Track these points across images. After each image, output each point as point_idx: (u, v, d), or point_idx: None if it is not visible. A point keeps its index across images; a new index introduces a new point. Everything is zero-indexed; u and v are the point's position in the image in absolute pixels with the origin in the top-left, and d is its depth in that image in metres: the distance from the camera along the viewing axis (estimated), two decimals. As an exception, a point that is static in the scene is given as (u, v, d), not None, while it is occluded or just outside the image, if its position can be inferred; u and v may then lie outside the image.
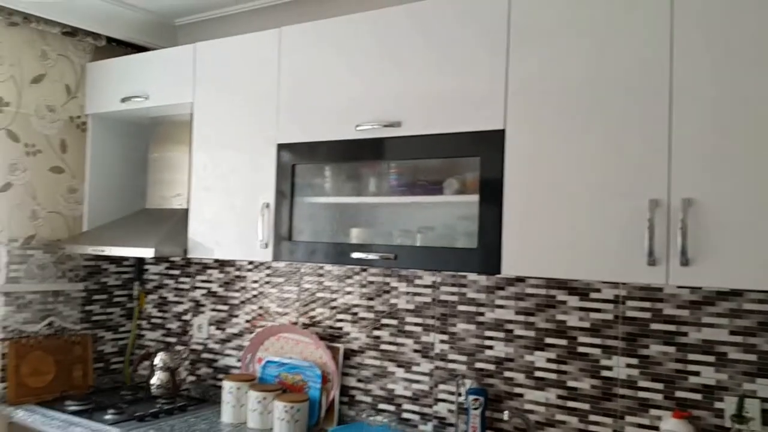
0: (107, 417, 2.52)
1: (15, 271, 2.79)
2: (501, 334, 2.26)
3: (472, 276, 2.33)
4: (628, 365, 2.01)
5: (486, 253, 1.92)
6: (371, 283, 2.56)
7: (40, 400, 2.75)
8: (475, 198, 1.97)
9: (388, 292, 2.52)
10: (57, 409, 2.63)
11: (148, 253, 2.59)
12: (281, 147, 2.37)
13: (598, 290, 2.08)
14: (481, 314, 2.30)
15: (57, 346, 2.92)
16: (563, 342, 2.14)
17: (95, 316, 3.12)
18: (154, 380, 2.87)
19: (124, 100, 2.85)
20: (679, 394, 1.94)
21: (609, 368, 2.05)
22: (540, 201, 1.84)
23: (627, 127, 1.72)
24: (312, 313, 2.71)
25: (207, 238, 2.58)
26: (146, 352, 3.14)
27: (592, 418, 2.07)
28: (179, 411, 2.69)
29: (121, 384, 3.15)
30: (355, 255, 2.18)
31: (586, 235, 1.76)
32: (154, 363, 2.89)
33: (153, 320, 3.22)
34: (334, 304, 2.65)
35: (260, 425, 2.48)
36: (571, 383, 2.11)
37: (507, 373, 2.23)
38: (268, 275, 2.85)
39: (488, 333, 2.28)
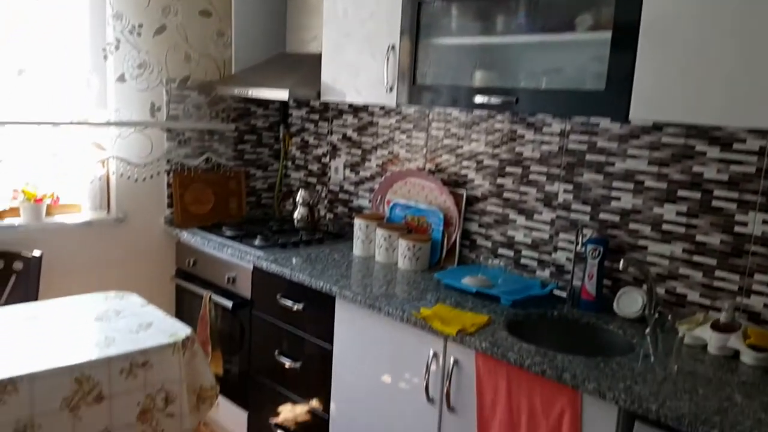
0: (255, 242, 2.82)
1: (174, 110, 3.08)
2: (629, 185, 2.14)
3: (604, 124, 2.19)
4: (765, 221, 1.84)
5: (614, 95, 1.78)
6: (497, 130, 2.51)
7: (200, 225, 3.13)
8: (607, 35, 1.80)
9: (514, 140, 2.46)
10: (214, 233, 2.98)
11: (283, 95, 2.72)
12: (408, -16, 2.30)
13: (742, 140, 1.87)
14: (611, 164, 2.18)
15: (214, 179, 3.25)
16: (696, 195, 1.98)
17: (247, 154, 3.40)
18: (297, 214, 3.14)
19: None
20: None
21: (744, 224, 1.89)
22: (683, 36, 1.64)
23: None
24: (438, 160, 2.73)
25: (339, 82, 2.64)
26: (289, 189, 3.40)
27: (718, 273, 1.95)
28: (317, 242, 2.94)
29: (270, 217, 3.47)
30: (478, 99, 2.13)
31: (737, 76, 1.57)
32: (296, 199, 3.14)
33: (296, 161, 3.45)
34: (459, 151, 2.65)
35: (386, 260, 2.64)
36: (699, 238, 1.98)
37: (632, 225, 2.14)
38: (398, 121, 2.89)
39: (616, 184, 2.18)
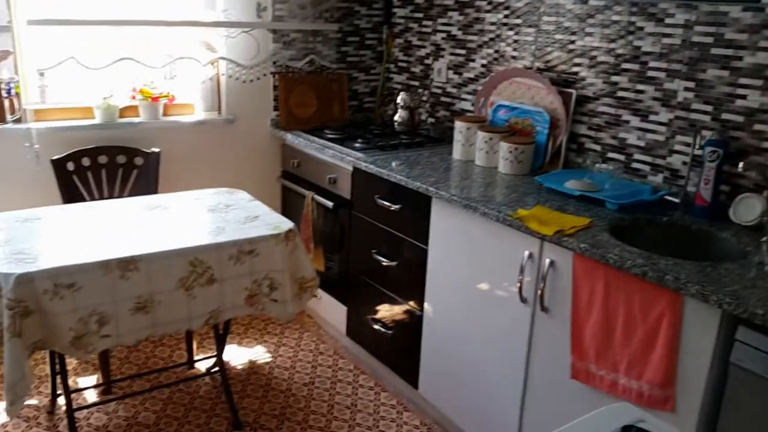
0: (356, 145, 2.85)
1: (279, 10, 3.09)
2: (758, 82, 1.93)
3: (734, 13, 1.96)
4: None
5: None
6: (614, 23, 2.31)
7: (304, 127, 3.19)
8: None
9: (632, 33, 2.26)
10: (317, 136, 3.04)
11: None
12: None
13: None
14: (739, 58, 1.97)
15: (318, 82, 3.28)
16: (841, 92, 1.76)
17: (349, 57, 3.39)
18: (397, 118, 3.11)
19: None
20: None
21: None
22: None
23: None
24: (547, 57, 2.58)
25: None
26: (390, 92, 3.37)
27: None
28: (416, 146, 2.92)
29: (371, 120, 3.47)
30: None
31: None
32: (397, 102, 3.11)
33: (399, 63, 3.39)
34: (571, 47, 2.48)
35: (486, 163, 2.59)
36: (840, 141, 1.77)
37: (757, 126, 1.94)
38: (506, 16, 2.74)
39: (743, 80, 1.96)
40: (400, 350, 2.60)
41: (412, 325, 2.50)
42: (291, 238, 2.20)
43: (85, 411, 2.46)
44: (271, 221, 2.27)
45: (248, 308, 2.18)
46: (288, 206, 3.25)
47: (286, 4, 3.09)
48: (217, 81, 3.09)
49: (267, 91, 3.18)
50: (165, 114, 2.97)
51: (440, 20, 3.08)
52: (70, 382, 2.58)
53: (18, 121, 2.65)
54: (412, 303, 2.50)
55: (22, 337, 1.79)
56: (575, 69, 2.48)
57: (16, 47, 2.53)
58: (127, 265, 1.92)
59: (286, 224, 2.24)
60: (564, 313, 1.87)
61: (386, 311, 2.65)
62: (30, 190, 2.70)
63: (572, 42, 2.47)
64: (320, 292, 3.06)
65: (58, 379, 2.26)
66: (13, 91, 2.61)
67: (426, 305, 2.42)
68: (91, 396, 2.57)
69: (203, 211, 2.36)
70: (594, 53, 2.40)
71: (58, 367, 2.17)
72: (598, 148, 2.44)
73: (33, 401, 2.50)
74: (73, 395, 2.38)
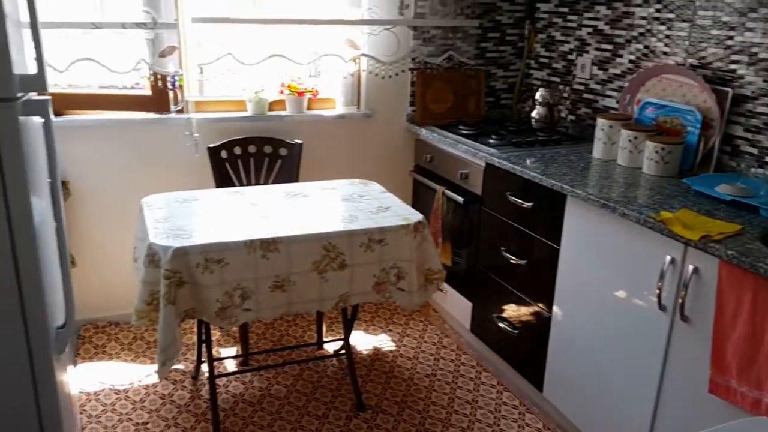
0: (490, 141, 2.83)
1: (421, 7, 3.14)
2: None
3: None
4: None
5: None
6: (782, 15, 2.12)
7: (438, 123, 3.22)
8: None
9: (803, 25, 2.06)
10: (451, 131, 3.05)
11: (530, -16, 2.60)
12: None
13: None
14: None
15: (455, 78, 3.29)
16: None
17: (488, 53, 3.37)
18: (535, 114, 3.05)
19: None
20: None
21: None
22: None
23: None
24: (702, 54, 2.41)
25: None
26: (529, 89, 3.31)
27: None
28: (553, 143, 2.84)
29: (508, 117, 3.43)
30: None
31: None
32: (535, 98, 3.05)
33: (540, 59, 3.32)
34: (729, 43, 2.30)
35: (629, 163, 2.47)
36: None
37: None
38: (657, 11, 2.59)
39: None
40: (526, 351, 2.56)
41: (539, 326, 2.45)
42: (420, 230, 2.24)
43: (224, 379, 2.66)
44: (402, 213, 2.32)
45: (375, 295, 2.24)
46: (419, 200, 3.30)
47: (427, 2, 3.14)
48: (357, 77, 3.21)
49: (404, 87, 3.25)
50: (309, 108, 3.13)
51: (586, 14, 2.98)
52: (213, 351, 2.80)
53: (180, 111, 2.92)
54: (540, 303, 2.44)
55: (175, 304, 1.98)
56: (733, 66, 2.30)
57: (181, 43, 2.79)
58: (268, 245, 2.05)
59: (416, 216, 2.28)
60: (706, 323, 1.74)
61: (512, 310, 2.62)
62: (188, 174, 2.96)
63: (730, 38, 2.29)
64: (446, 286, 3.08)
65: (203, 348, 2.46)
66: (177, 84, 2.87)
67: (555, 307, 2.36)
68: (231, 366, 2.78)
69: (338, 200, 2.47)
70: (755, 50, 2.21)
71: (204, 336, 2.37)
72: (755, 151, 2.25)
73: (180, 366, 2.75)
74: (215, 363, 2.59)
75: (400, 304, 2.29)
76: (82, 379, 2.64)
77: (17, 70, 1.51)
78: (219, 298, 2.03)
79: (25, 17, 1.62)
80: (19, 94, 1.52)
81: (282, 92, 3.08)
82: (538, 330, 2.45)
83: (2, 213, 1.54)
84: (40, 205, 1.69)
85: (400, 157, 3.33)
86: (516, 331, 2.59)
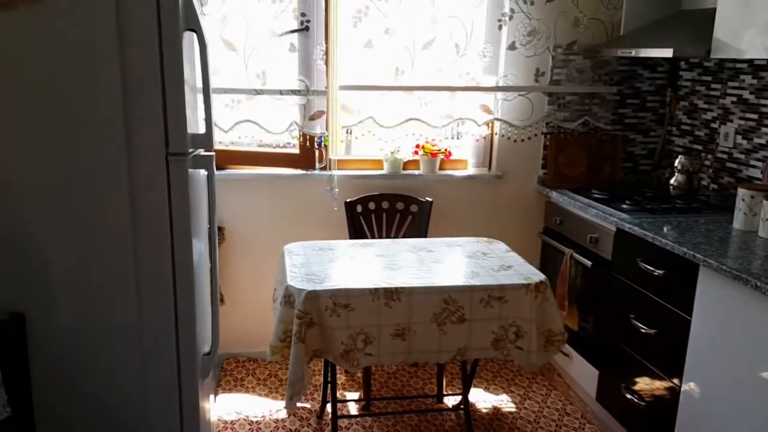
0: (623, 206, 2.79)
1: (557, 74, 3.22)
2: None
3: None
4: None
5: None
6: None
7: (570, 186, 3.23)
8: None
9: None
10: (582, 194, 3.05)
11: (666, 53, 2.59)
12: None
13: None
14: None
15: (590, 142, 3.30)
16: None
17: (627, 119, 3.35)
18: (673, 181, 2.97)
19: None
20: None
21: None
22: None
23: None
24: None
25: (738, 37, 2.39)
26: (668, 155, 3.23)
27: None
28: (692, 212, 2.75)
29: (645, 183, 3.35)
30: None
31: None
32: (675, 165, 2.97)
33: (682, 126, 3.24)
34: None
35: (772, 236, 2.34)
36: None
37: None
38: (809, 77, 2.47)
39: None
40: (653, 426, 2.43)
41: (669, 400, 2.33)
42: (541, 290, 2.27)
43: (346, 420, 2.79)
44: (524, 272, 2.36)
45: (493, 351, 2.28)
46: (546, 262, 3.29)
47: (564, 69, 3.21)
48: (489, 139, 3.32)
49: (537, 150, 3.31)
50: (441, 168, 3.29)
51: (731, 84, 2.89)
52: (338, 393, 2.95)
53: (324, 168, 3.19)
54: (669, 377, 2.34)
55: (305, 343, 2.15)
56: None
57: (328, 108, 3.08)
58: (391, 294, 2.19)
59: (538, 276, 2.31)
60: None
61: (640, 381, 2.51)
62: (326, 225, 3.21)
63: None
64: (572, 351, 3.02)
65: (329, 389, 2.62)
66: (323, 144, 3.16)
67: (685, 381, 2.24)
68: (353, 409, 2.91)
69: (462, 256, 2.56)
70: None
71: (329, 377, 2.53)
72: None
73: (307, 405, 2.92)
74: (338, 405, 2.73)
75: (518, 363, 2.31)
76: (221, 408, 2.89)
77: (190, 129, 1.79)
78: (344, 341, 2.18)
79: (199, 83, 1.92)
80: (190, 150, 1.81)
81: (416, 153, 3.27)
82: (667, 405, 2.33)
83: (167, 251, 1.81)
84: (199, 247, 1.96)
85: (529, 218, 3.36)
86: (643, 404, 2.48)
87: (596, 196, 3.00)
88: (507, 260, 2.50)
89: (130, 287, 1.81)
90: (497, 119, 3.23)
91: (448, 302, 2.21)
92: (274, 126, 3.07)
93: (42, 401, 1.84)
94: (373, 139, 3.24)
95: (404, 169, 3.27)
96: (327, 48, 3.00)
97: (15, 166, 1.71)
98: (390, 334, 2.21)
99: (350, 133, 3.27)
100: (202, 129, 1.93)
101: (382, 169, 3.27)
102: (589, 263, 2.83)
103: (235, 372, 3.22)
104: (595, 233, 2.84)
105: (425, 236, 3.12)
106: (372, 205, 3.18)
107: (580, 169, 3.30)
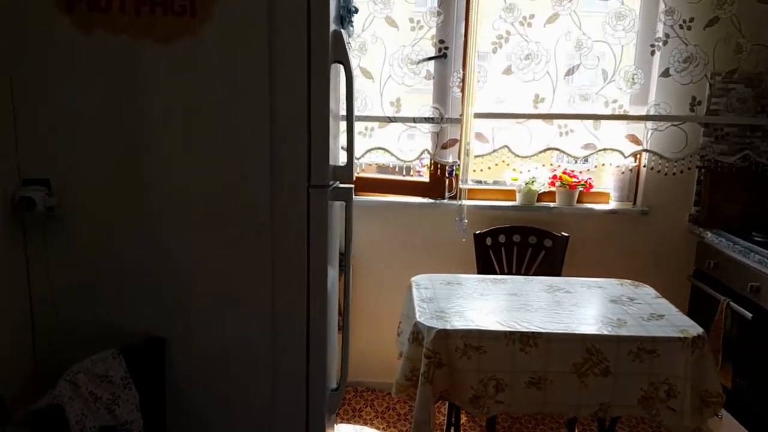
0: (792, 253, 2.48)
1: (715, 104, 2.93)
2: None
3: None
4: None
5: None
6: None
7: (727, 226, 2.91)
8: None
9: None
10: (742, 237, 2.74)
11: None
12: None
13: None
14: None
15: (751, 179, 2.97)
16: None
17: (796, 154, 2.99)
18: None
19: None
20: None
21: None
22: None
23: None
24: None
25: None
26: None
27: None
28: None
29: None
30: None
31: None
32: None
33: None
34: None
35: None
36: None
37: None
38: None
39: None
40: None
41: None
42: (699, 346, 2.02)
43: (468, 466, 2.65)
44: (679, 323, 2.13)
45: (640, 410, 2.06)
46: (695, 309, 2.98)
47: (723, 98, 2.92)
48: (636, 172, 3.08)
49: (689, 185, 3.03)
50: (579, 201, 3.09)
51: None
52: (460, 435, 2.82)
53: (453, 198, 3.10)
54: None
55: (432, 384, 2.05)
56: None
57: (462, 136, 2.99)
58: (528, 339, 2.03)
59: (695, 329, 2.07)
60: None
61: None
62: (453, 256, 3.11)
63: None
64: (723, 412, 2.70)
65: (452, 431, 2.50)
66: (453, 173, 3.07)
67: None
68: (475, 454, 2.76)
69: (605, 301, 2.36)
70: None
71: (453, 419, 2.40)
72: None
73: (428, 443, 2.81)
74: (460, 448, 2.60)
75: (667, 424, 2.07)
76: (339, 438, 2.85)
77: (332, 161, 1.77)
78: (473, 385, 2.05)
79: (342, 114, 1.90)
80: (330, 183, 1.78)
81: (553, 184, 3.10)
82: None
83: (303, 281, 1.78)
84: (332, 275, 1.93)
85: (677, 259, 3.07)
86: (816, 486, 2.15)
87: (757, 239, 2.68)
88: (657, 308, 2.27)
89: (266, 315, 1.80)
90: (646, 150, 2.99)
91: (592, 352, 2.03)
92: (404, 154, 3.02)
93: (175, 426, 1.86)
94: (506, 169, 3.11)
95: (538, 200, 3.10)
96: (464, 75, 2.92)
97: (162, 195, 1.76)
98: (524, 382, 2.05)
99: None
100: (342, 160, 1.91)
101: (515, 200, 3.12)
102: (749, 314, 2.52)
103: (353, 401, 3.17)
104: (756, 281, 2.52)
105: (559, 274, 2.93)
106: (502, 238, 3.04)
107: (739, 207, 2.98)
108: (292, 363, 1.84)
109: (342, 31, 1.79)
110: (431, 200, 3.12)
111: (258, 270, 1.78)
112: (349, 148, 1.87)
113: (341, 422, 2.98)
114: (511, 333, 2.04)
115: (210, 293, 1.80)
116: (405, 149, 3.02)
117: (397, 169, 3.18)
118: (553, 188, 3.10)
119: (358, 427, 2.95)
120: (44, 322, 1.83)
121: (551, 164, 3.17)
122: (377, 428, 2.94)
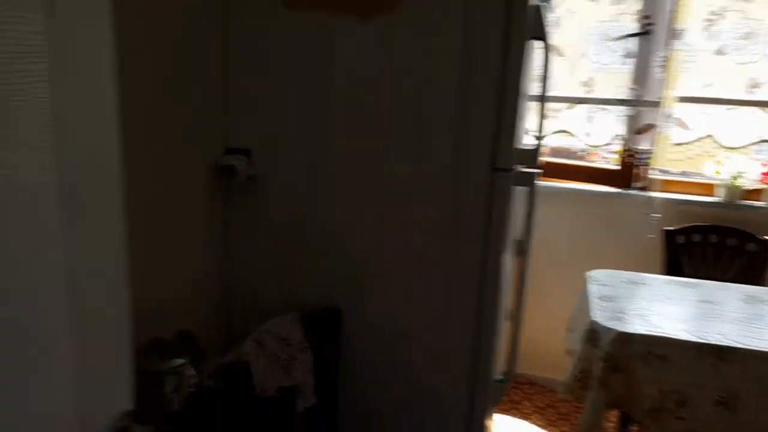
0: None
1: None
2: None
3: None
4: None
5: None
6: None
7: None
8: None
9: None
10: None
11: None
12: None
13: None
14: None
15: None
16: None
17: None
18: None
19: None
20: None
21: None
22: None
23: None
24: None
25: None
26: None
27: None
28: None
29: None
30: None
31: None
32: None
33: None
34: None
35: None
36: None
37: None
38: None
39: None
40: None
41: None
42: None
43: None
44: None
45: None
46: None
47: None
48: None
49: None
50: (795, 201, 2.70)
51: None
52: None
53: (643, 189, 2.85)
54: None
55: (606, 389, 1.92)
56: None
57: (660, 121, 2.73)
58: (721, 353, 1.82)
59: None
60: None
61: None
62: (636, 253, 2.87)
63: None
64: None
65: (619, 438, 2.33)
66: (645, 161, 2.82)
67: None
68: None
69: (821, 321, 2.04)
70: None
71: (622, 429, 2.25)
72: None
73: (590, 446, 2.66)
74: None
75: None
76: (495, 430, 2.79)
77: (518, 144, 1.69)
78: (653, 396, 1.89)
79: (533, 94, 1.80)
80: (514, 166, 1.70)
81: (764, 181, 2.73)
82: None
83: (478, 264, 1.74)
84: (507, 262, 1.86)
85: None
86: None
87: None
88: None
89: (438, 297, 1.78)
90: None
91: (794, 377, 1.77)
92: (592, 139, 2.83)
93: (347, 394, 1.93)
94: (707, 160, 2.79)
95: (743, 198, 2.76)
96: (668, 55, 2.65)
97: (343, 171, 1.79)
98: (712, 400, 1.85)
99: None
100: (527, 143, 1.81)
101: (714, 195, 2.80)
102: None
103: (512, 393, 3.09)
104: None
105: (762, 284, 2.59)
106: (697, 237, 2.75)
107: None
108: (459, 348, 1.82)
109: (542, 5, 1.69)
110: (618, 190, 2.90)
111: (432, 248, 1.76)
112: (539, 132, 1.77)
113: (497, 412, 2.92)
114: (703, 345, 1.84)
115: (386, 270, 1.82)
116: (592, 133, 2.83)
117: (589, 159, 3.00)
118: (763, 185, 2.73)
119: (517, 420, 2.88)
120: (239, 286, 1.96)
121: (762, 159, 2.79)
122: (535, 424, 2.84)
